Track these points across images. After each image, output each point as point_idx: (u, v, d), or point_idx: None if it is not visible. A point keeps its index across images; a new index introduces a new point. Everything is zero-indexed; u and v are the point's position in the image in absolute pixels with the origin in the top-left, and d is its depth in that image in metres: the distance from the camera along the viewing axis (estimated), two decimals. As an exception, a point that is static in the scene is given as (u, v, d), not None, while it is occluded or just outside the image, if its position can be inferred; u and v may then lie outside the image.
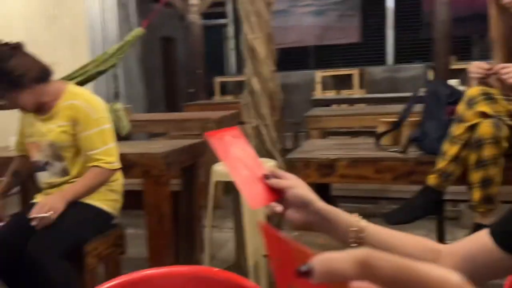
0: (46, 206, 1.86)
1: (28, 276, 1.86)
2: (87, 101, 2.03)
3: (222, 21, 10.50)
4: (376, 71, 8.57)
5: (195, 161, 2.87)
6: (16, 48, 1.98)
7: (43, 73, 2.02)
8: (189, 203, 2.87)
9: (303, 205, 0.86)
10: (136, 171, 2.41)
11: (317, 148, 2.33)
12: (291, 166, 2.11)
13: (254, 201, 0.86)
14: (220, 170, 2.37)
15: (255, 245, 2.32)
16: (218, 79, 9.10)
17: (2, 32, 5.26)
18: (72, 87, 2.12)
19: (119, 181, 2.19)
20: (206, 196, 3.21)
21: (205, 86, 8.62)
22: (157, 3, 9.23)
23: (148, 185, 2.42)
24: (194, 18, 8.02)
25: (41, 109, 2.07)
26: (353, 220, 0.86)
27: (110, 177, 2.05)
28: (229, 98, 8.60)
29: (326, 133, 4.31)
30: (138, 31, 3.44)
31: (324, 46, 9.40)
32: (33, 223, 1.84)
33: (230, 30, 10.38)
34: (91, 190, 2.02)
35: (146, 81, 8.57)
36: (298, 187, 0.87)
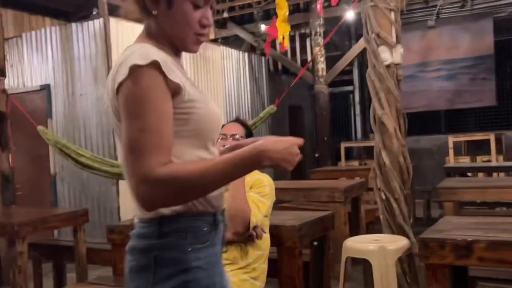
0: None
1: None
2: (269, 180, 2.41)
3: (348, 88, 10.70)
4: (515, 136, 8.02)
5: (325, 234, 2.94)
6: None
7: None
8: (319, 274, 2.92)
9: None
10: (270, 241, 2.55)
11: (453, 226, 2.27)
12: (425, 246, 2.09)
13: None
14: (351, 246, 2.42)
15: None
16: (344, 145, 9.18)
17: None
18: None
19: (265, 270, 2.35)
20: (333, 266, 3.23)
21: (331, 151, 8.76)
22: (285, 74, 9.76)
23: (282, 256, 2.54)
24: (322, 88, 8.39)
25: None
26: None
27: (243, 226, 2.21)
28: (355, 163, 8.60)
29: (462, 203, 4.10)
30: (270, 108, 3.72)
31: (456, 110, 9.06)
32: None
33: (356, 96, 10.52)
34: (235, 196, 2.19)
35: (275, 147, 8.93)
36: None
